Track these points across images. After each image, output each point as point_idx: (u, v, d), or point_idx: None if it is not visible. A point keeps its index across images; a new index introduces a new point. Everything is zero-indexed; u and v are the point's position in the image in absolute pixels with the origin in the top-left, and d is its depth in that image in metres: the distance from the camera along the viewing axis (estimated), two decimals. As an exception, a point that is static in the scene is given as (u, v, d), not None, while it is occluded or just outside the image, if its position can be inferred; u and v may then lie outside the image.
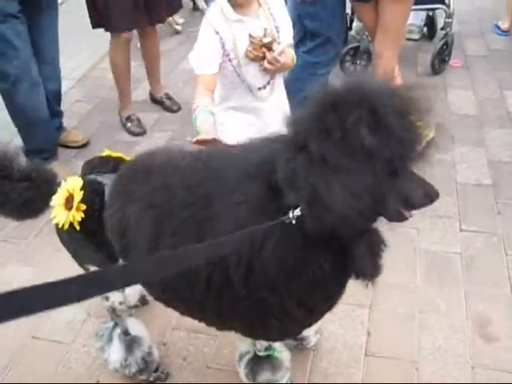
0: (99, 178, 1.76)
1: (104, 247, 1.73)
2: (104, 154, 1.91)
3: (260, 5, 2.26)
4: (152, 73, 4.22)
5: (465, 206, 3.07)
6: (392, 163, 1.20)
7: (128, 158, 1.84)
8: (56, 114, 3.72)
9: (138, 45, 4.11)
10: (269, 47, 2.24)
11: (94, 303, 2.51)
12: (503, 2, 5.40)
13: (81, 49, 4.89)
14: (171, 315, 2.44)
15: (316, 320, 1.69)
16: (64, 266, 2.51)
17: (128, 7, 3.47)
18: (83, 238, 1.75)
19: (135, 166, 1.70)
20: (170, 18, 5.62)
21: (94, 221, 1.68)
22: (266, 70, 2.29)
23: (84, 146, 3.81)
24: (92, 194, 1.70)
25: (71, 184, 1.71)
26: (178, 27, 5.74)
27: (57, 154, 3.56)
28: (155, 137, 3.94)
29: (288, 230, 1.28)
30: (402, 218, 1.37)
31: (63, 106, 3.85)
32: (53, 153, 3.51)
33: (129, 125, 3.98)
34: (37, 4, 3.21)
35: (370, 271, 1.41)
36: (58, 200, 1.71)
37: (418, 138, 1.24)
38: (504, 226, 2.91)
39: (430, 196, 1.32)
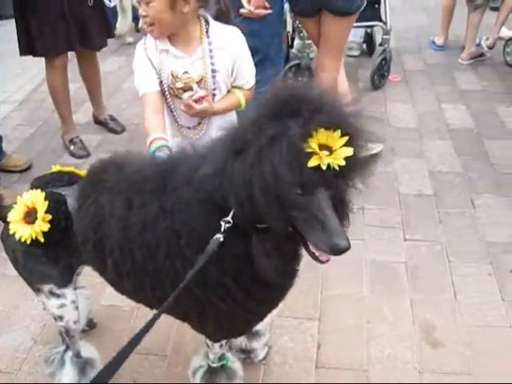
0: (58, 190, 1.76)
1: (63, 259, 1.77)
2: (54, 169, 1.90)
3: (201, 44, 2.14)
4: (93, 95, 4.17)
5: (408, 215, 3.15)
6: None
7: (81, 173, 1.84)
8: None
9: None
10: (186, 89, 2.15)
11: (40, 329, 2.47)
12: (438, 18, 5.62)
13: (21, 71, 4.81)
14: (120, 338, 2.41)
15: (260, 313, 1.71)
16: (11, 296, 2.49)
17: (60, 31, 3.45)
18: (42, 254, 1.75)
19: (104, 165, 1.74)
20: (120, 36, 5.67)
21: (59, 230, 1.69)
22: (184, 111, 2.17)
23: (26, 169, 3.72)
24: (56, 203, 1.70)
25: (30, 198, 1.69)
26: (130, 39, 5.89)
27: (-2, 180, 3.48)
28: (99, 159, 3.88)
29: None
30: (315, 258, 1.36)
31: (4, 130, 3.78)
32: None
33: (72, 147, 3.91)
34: None
35: (267, 271, 1.45)
36: (15, 216, 1.69)
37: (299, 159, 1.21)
38: (446, 233, 2.99)
39: (329, 248, 1.27)
